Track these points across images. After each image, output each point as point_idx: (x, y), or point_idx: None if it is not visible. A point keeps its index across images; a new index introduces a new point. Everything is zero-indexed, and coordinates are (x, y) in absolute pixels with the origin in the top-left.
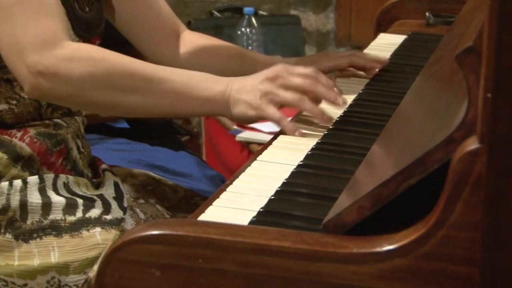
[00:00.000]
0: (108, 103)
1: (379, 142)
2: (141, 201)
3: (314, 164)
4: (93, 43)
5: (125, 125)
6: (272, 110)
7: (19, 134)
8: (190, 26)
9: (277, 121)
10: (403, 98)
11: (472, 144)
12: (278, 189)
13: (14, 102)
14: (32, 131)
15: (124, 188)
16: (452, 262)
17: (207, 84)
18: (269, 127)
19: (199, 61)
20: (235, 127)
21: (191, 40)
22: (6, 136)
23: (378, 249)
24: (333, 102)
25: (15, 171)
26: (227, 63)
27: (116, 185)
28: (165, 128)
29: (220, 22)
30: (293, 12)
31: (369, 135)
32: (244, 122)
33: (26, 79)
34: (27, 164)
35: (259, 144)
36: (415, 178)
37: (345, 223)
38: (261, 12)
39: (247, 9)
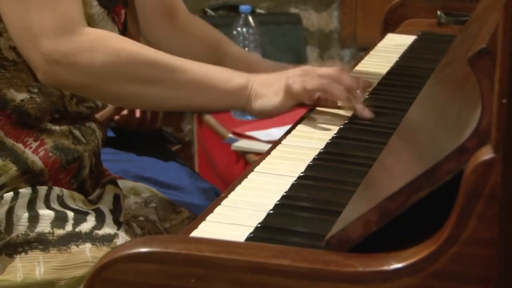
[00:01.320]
0: (128, 95)
1: (386, 151)
2: (141, 218)
3: (316, 175)
4: (118, 12)
5: (110, 133)
6: (299, 86)
7: (34, 145)
8: None
9: (308, 96)
10: (412, 104)
11: (486, 153)
12: (277, 202)
13: (36, 90)
14: (49, 143)
15: (125, 203)
16: (465, 282)
17: (228, 75)
18: (267, 135)
19: (180, 46)
20: (230, 135)
21: (184, 24)
22: (21, 145)
23: (386, 268)
24: (352, 108)
25: (20, 184)
26: (201, 52)
27: (116, 198)
28: (154, 136)
29: (214, 21)
30: (293, 10)
31: (375, 144)
32: (266, 115)
33: (41, 66)
34: (35, 178)
35: (256, 153)
36: (425, 190)
37: (349, 239)
38: (258, 10)
39: (244, 7)
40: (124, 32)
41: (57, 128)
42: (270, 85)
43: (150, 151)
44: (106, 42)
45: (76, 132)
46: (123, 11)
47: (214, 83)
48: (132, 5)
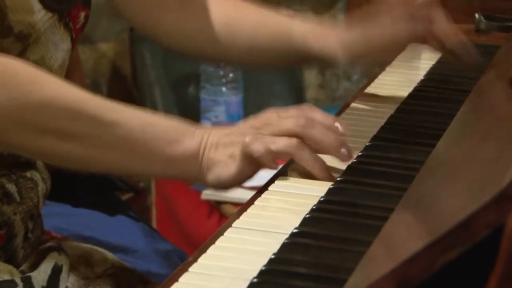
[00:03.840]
0: (37, 150)
1: (406, 199)
2: None
3: (315, 231)
4: (75, 15)
5: None
6: (260, 147)
7: None
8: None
9: (272, 159)
10: (441, 137)
11: None
12: (264, 268)
13: None
14: None
15: (72, 278)
16: None
17: (176, 135)
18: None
19: (205, 34)
20: None
21: (209, 3)
22: None
23: None
24: (332, 153)
25: None
26: (263, 38)
27: (55, 271)
28: (97, 181)
29: None
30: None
31: (392, 190)
32: (222, 187)
33: None
34: None
35: (235, 204)
36: (456, 250)
37: None
38: None
39: None
40: (75, 40)
41: None
42: (225, 146)
43: (92, 202)
44: (10, 76)
45: (10, 187)
46: (82, 13)
47: (154, 147)
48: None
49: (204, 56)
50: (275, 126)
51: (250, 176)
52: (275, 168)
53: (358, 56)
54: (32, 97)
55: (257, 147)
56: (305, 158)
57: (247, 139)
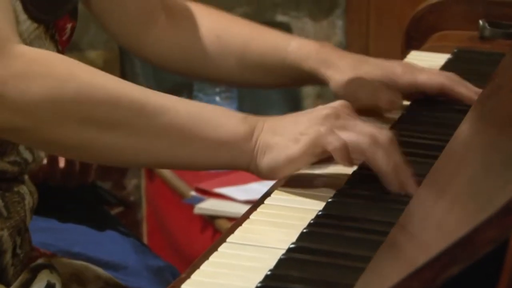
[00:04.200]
0: (76, 143)
1: (407, 214)
2: None
3: (312, 247)
4: (62, 27)
5: None
6: (339, 142)
7: None
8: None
9: (346, 157)
10: (444, 148)
11: None
12: (259, 284)
13: None
14: None
15: None
16: None
17: (226, 119)
18: (245, 192)
19: (186, 45)
20: (193, 193)
21: (184, 15)
22: None
23: None
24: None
25: None
26: (252, 53)
27: None
28: (85, 195)
29: None
30: (280, 18)
31: (393, 204)
32: (276, 173)
33: None
34: None
35: (229, 218)
36: (458, 265)
37: None
38: None
39: None
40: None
41: None
42: (286, 132)
43: (80, 216)
44: (46, 67)
45: None
46: (69, 25)
47: (202, 131)
48: (99, 8)
49: (193, 72)
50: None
51: (306, 163)
52: (349, 165)
53: (345, 95)
54: (69, 87)
55: (331, 140)
56: (380, 160)
57: (322, 128)
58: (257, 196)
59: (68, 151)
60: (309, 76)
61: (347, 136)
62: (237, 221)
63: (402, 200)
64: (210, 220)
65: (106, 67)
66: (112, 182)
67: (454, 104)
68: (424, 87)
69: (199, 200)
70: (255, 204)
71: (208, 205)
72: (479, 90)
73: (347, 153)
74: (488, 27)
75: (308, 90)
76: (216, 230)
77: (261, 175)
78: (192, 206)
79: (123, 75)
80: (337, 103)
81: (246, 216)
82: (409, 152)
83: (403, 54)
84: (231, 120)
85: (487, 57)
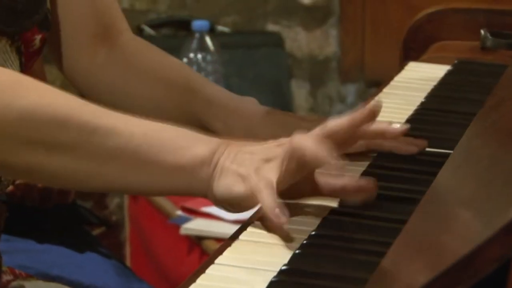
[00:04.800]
0: (25, 166)
1: (404, 233)
2: None
3: (305, 269)
4: (29, 39)
5: None
6: (269, 196)
7: None
8: None
9: (271, 215)
10: (444, 164)
11: None
12: None
13: None
14: None
15: None
16: None
17: (185, 141)
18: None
19: (123, 82)
20: (179, 212)
21: (128, 50)
22: None
23: None
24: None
25: None
26: (166, 97)
27: None
28: (64, 215)
29: (154, 43)
30: (271, 27)
31: (391, 223)
32: (231, 206)
33: None
34: None
35: (217, 239)
36: (460, 286)
37: None
38: (220, 28)
39: (198, 23)
40: (26, 66)
41: None
42: (242, 161)
43: (59, 237)
44: None
45: None
46: (38, 37)
47: (158, 153)
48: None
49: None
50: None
51: (255, 206)
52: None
53: None
54: (14, 106)
55: (265, 197)
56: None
57: (261, 184)
58: (246, 215)
59: (18, 174)
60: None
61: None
62: (226, 242)
63: (399, 219)
64: (197, 241)
65: None
66: (93, 201)
67: (455, 117)
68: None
69: (186, 220)
70: (245, 224)
71: (195, 225)
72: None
73: (281, 221)
74: (490, 37)
75: (301, 103)
76: (204, 252)
77: (217, 205)
78: (178, 226)
79: None
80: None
81: (235, 236)
82: (408, 168)
83: (400, 66)
84: (191, 143)
85: (489, 68)
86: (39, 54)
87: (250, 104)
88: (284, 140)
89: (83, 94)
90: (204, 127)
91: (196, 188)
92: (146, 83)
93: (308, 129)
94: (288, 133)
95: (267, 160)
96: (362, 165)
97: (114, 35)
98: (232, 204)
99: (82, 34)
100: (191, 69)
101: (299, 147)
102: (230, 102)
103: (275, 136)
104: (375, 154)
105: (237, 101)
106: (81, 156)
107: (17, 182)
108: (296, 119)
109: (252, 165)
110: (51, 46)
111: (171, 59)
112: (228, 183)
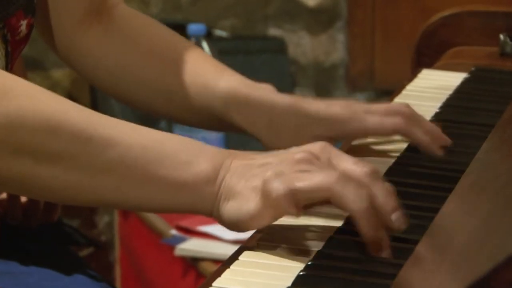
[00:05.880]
0: (11, 176)
1: (416, 255)
2: None
3: None
4: (15, 25)
5: None
6: (281, 187)
7: None
8: None
9: (292, 204)
10: (459, 181)
11: None
12: None
13: None
14: None
15: None
16: None
17: (187, 156)
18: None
19: (126, 65)
20: (173, 232)
21: (123, 23)
22: None
23: None
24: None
25: None
26: (174, 82)
27: None
28: (50, 234)
29: None
30: (273, 31)
31: (400, 242)
32: (240, 228)
33: None
34: None
35: (215, 261)
36: None
37: None
38: (218, 32)
39: (195, 27)
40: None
41: None
42: (250, 176)
43: (44, 258)
44: None
45: None
46: (24, 22)
47: (158, 168)
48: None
49: (118, 94)
50: (306, 177)
51: (269, 220)
52: (297, 215)
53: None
54: (1, 111)
55: (276, 186)
56: (347, 196)
57: (268, 173)
58: (246, 235)
59: (4, 185)
60: (238, 128)
61: (304, 178)
62: (224, 263)
63: (411, 239)
64: (193, 262)
65: (73, 88)
66: (81, 220)
67: (472, 129)
68: (375, 133)
69: (181, 240)
70: (245, 244)
71: (191, 246)
72: (437, 130)
73: (293, 201)
74: (509, 42)
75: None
76: (200, 274)
77: (224, 225)
78: (172, 247)
79: (93, 97)
80: (318, 145)
81: (234, 257)
82: (421, 184)
83: (413, 73)
84: (194, 157)
85: (509, 76)
86: (26, 42)
87: (269, 93)
88: (301, 148)
89: (82, 75)
90: (220, 118)
91: (200, 207)
92: (151, 63)
93: (332, 114)
94: (313, 121)
95: (279, 175)
96: None
97: (109, 9)
98: (240, 224)
99: (75, 11)
100: (199, 49)
101: (338, 194)
102: (248, 92)
103: (299, 124)
104: (387, 169)
105: (255, 89)
106: (72, 168)
107: None
108: (319, 104)
109: (261, 180)
110: (43, 27)
111: (177, 37)
112: (236, 204)
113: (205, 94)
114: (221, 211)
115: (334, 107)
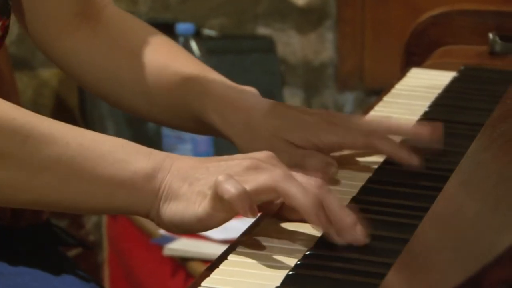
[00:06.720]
0: None
1: (406, 254)
2: None
3: None
4: None
5: None
6: (233, 188)
7: None
8: None
9: (245, 205)
10: (448, 179)
11: None
12: None
13: None
14: None
15: None
16: None
17: (125, 154)
18: (222, 231)
19: (105, 62)
20: (162, 232)
21: (111, 26)
22: None
23: None
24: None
25: None
26: (155, 83)
27: None
28: (38, 235)
29: None
30: (262, 31)
31: (389, 242)
32: (182, 230)
33: None
34: None
35: (203, 260)
36: None
37: None
38: (207, 32)
39: (183, 27)
40: None
41: None
42: (195, 178)
43: (32, 259)
44: None
45: None
46: None
47: (96, 165)
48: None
49: (102, 94)
50: (252, 179)
51: (218, 223)
52: (251, 216)
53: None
54: None
55: (228, 187)
56: (293, 194)
57: (220, 177)
58: (235, 234)
59: None
60: (217, 131)
61: (253, 179)
62: (213, 263)
63: (400, 238)
64: (181, 262)
65: (61, 88)
66: (69, 220)
67: (461, 128)
68: (351, 148)
69: (169, 240)
70: (233, 244)
71: (180, 245)
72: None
73: (247, 202)
74: (499, 41)
75: (294, 103)
76: (189, 274)
77: (161, 226)
78: (161, 247)
79: (81, 97)
80: (264, 153)
81: (223, 257)
82: (410, 183)
83: (402, 72)
84: (132, 156)
85: (498, 75)
86: (2, 44)
87: (250, 96)
88: (247, 155)
89: (69, 76)
90: (199, 119)
91: (137, 207)
92: (133, 64)
93: (310, 122)
94: (289, 127)
95: (229, 178)
96: (361, 180)
97: (97, 10)
98: (182, 227)
99: (63, 13)
100: (183, 50)
101: (283, 191)
102: (228, 93)
103: (275, 129)
104: (375, 167)
105: (235, 92)
106: (9, 166)
107: None
108: (298, 112)
109: (207, 184)
110: (31, 27)
111: (162, 39)
112: (180, 206)
113: (185, 96)
114: (161, 212)
115: (312, 116)
